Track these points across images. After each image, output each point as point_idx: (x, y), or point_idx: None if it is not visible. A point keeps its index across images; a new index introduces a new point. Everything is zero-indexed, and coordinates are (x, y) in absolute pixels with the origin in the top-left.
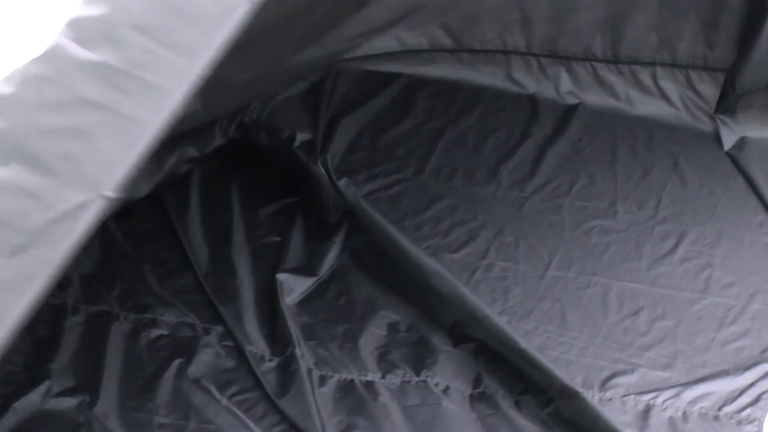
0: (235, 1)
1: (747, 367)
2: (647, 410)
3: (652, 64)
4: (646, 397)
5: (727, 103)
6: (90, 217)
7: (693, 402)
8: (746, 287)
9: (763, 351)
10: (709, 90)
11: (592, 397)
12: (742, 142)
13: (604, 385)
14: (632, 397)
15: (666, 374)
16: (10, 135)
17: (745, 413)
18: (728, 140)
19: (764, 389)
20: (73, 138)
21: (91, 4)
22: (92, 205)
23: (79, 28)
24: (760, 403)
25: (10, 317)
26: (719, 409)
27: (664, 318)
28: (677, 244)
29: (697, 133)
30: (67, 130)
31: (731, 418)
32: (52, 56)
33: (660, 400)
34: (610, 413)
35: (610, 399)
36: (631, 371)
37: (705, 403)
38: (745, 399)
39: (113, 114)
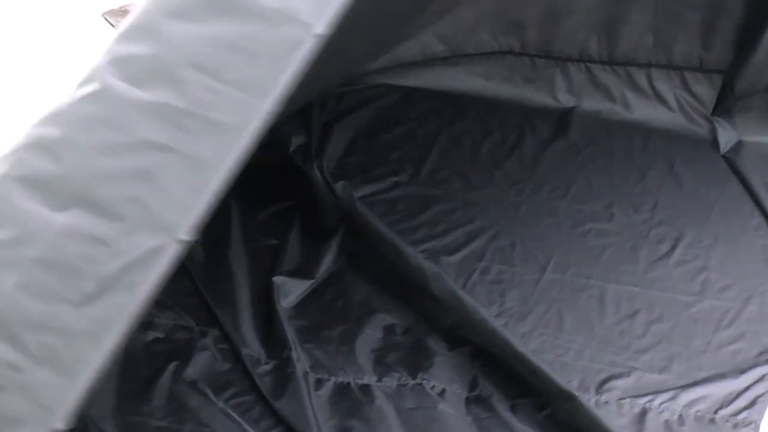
0: (299, 37)
1: (743, 370)
2: (643, 413)
3: (648, 65)
4: (643, 400)
5: (725, 106)
6: (166, 261)
7: (689, 405)
8: (742, 290)
9: (760, 354)
10: (705, 91)
11: (589, 400)
12: (738, 145)
13: (600, 388)
14: (628, 400)
15: (662, 377)
16: (65, 179)
17: (741, 416)
18: (725, 143)
19: (760, 392)
20: (139, 181)
21: (134, 42)
22: (167, 249)
23: (128, 68)
24: (757, 406)
25: (90, 365)
26: (715, 412)
27: (661, 321)
28: (673, 247)
29: (693, 136)
30: (131, 172)
31: (727, 421)
32: (103, 97)
33: (656, 403)
34: (607, 416)
35: (607, 402)
36: (628, 374)
37: (701, 406)
38: (741, 402)
39: (180, 155)
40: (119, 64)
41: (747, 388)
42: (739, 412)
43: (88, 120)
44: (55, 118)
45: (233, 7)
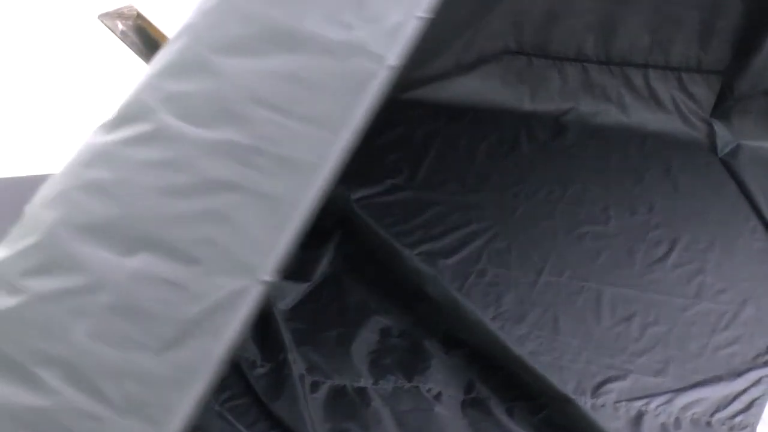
0: (371, 69)
1: (739, 374)
2: (639, 416)
3: (645, 66)
4: (639, 403)
5: (723, 108)
6: (250, 303)
7: (685, 408)
8: (738, 293)
9: (756, 357)
10: (703, 92)
11: (585, 403)
12: (736, 148)
13: (596, 391)
14: (624, 403)
15: (658, 380)
16: (130, 223)
17: (737, 419)
18: (722, 146)
19: (756, 395)
20: (211, 222)
21: (186, 79)
22: (251, 291)
23: (184, 106)
24: (753, 410)
25: (178, 413)
26: (711, 415)
27: (657, 324)
28: (670, 250)
29: (690, 139)
30: (201, 213)
31: (723, 424)
32: (161, 137)
33: (652, 406)
34: (603, 419)
35: (603, 405)
36: (624, 377)
37: (697, 409)
38: (737, 405)
39: (252, 194)
40: (172, 102)
41: (743, 391)
42: (735, 415)
43: (148, 161)
44: (105, 160)
45: (294, 40)
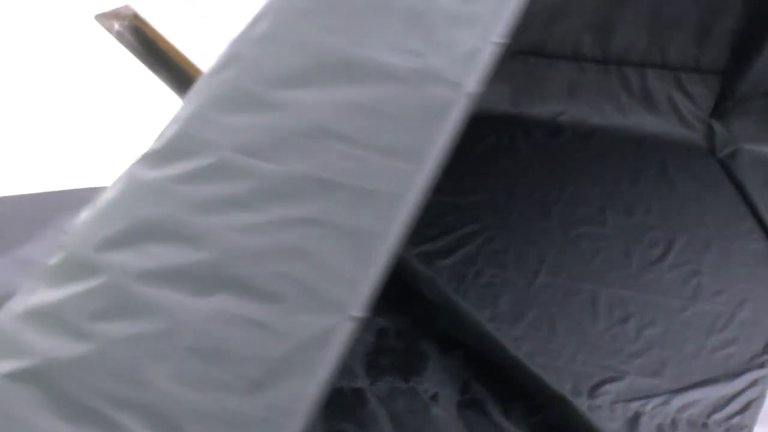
0: (448, 97)
1: (736, 375)
2: (636, 417)
3: (642, 65)
4: (635, 404)
5: (722, 108)
6: (341, 340)
7: (682, 409)
8: (735, 294)
9: (752, 358)
10: (700, 92)
11: (581, 404)
12: (734, 149)
13: (593, 392)
14: (621, 404)
15: (655, 381)
16: (204, 264)
17: (734, 421)
18: (720, 147)
19: (753, 397)
20: (291, 258)
21: (243, 112)
22: (341, 328)
23: (245, 139)
24: (749, 411)
25: None
26: (708, 416)
27: (653, 325)
28: (667, 251)
29: (687, 139)
30: (280, 250)
31: (720, 425)
32: (226, 171)
33: (649, 407)
34: (599, 420)
35: (600, 406)
36: (620, 378)
37: (694, 411)
38: (734, 406)
39: (333, 228)
40: (232, 135)
41: (740, 393)
42: (731, 416)
43: (213, 198)
44: (164, 198)
45: (357, 69)
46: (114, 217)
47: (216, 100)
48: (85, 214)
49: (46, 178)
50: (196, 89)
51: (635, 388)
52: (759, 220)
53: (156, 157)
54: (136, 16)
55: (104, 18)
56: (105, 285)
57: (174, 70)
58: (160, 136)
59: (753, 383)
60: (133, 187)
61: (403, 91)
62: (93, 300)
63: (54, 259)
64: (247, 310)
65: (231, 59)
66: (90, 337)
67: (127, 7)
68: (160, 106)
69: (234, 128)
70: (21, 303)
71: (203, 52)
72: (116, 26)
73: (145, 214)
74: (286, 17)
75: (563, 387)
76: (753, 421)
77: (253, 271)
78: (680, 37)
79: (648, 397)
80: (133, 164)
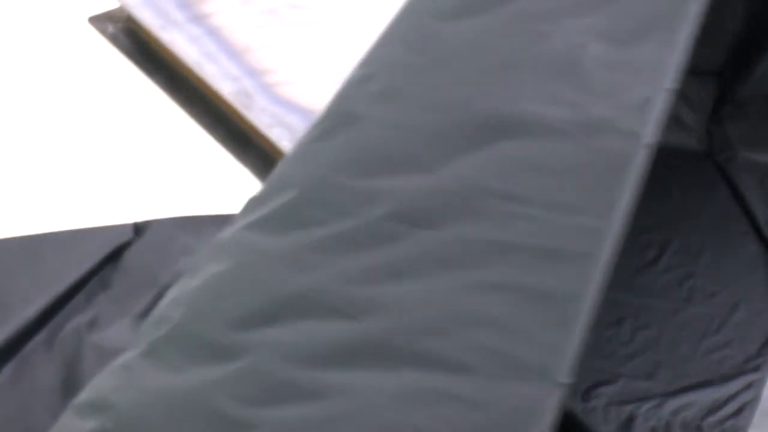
0: (625, 149)
1: (730, 378)
2: (630, 420)
3: None
4: (629, 406)
5: (721, 111)
6: (552, 407)
7: (675, 412)
8: (729, 297)
9: (747, 361)
10: (697, 94)
11: (575, 406)
12: (731, 152)
13: (586, 394)
14: (615, 406)
15: (649, 384)
16: (375, 338)
17: (728, 424)
18: (717, 149)
19: (747, 399)
20: (477, 326)
21: (385, 176)
22: (551, 394)
23: (395, 203)
24: (744, 414)
25: None
26: (702, 419)
27: (647, 327)
28: (660, 254)
29: (683, 141)
30: (462, 319)
31: (714, 428)
32: (374, 238)
33: (643, 409)
34: (593, 423)
35: (593, 408)
36: (614, 381)
37: (688, 413)
38: (728, 409)
39: (517, 291)
40: (374, 201)
41: (734, 396)
42: (726, 419)
43: (368, 268)
44: (304, 269)
45: (508, 125)
46: (243, 292)
47: (341, 163)
48: (186, 287)
49: (44, 180)
50: (299, 155)
51: (629, 391)
52: (753, 223)
53: (273, 223)
54: (130, 19)
55: (98, 20)
56: (255, 368)
57: (169, 73)
58: (264, 199)
59: (747, 386)
60: (255, 258)
61: (568, 144)
62: (244, 385)
63: (154, 332)
64: (439, 384)
65: (347, 119)
66: (250, 427)
67: (121, 9)
68: (154, 110)
69: (373, 193)
70: (136, 388)
71: (198, 55)
72: (110, 29)
73: (286, 287)
74: (405, 73)
75: None
76: (747, 423)
77: (435, 343)
78: None
79: (642, 399)
80: (237, 231)
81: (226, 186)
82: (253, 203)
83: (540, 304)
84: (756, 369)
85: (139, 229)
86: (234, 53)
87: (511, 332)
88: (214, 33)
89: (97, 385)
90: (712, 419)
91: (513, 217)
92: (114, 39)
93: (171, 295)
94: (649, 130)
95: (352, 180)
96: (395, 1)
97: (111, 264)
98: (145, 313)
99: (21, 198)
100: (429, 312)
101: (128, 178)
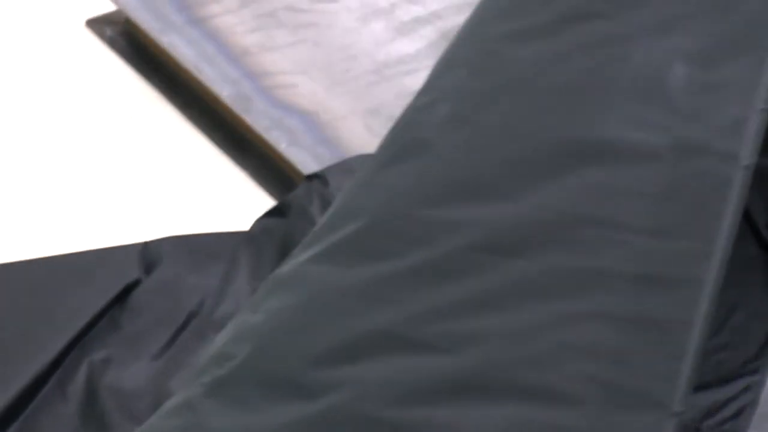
0: (721, 171)
1: (728, 380)
2: None
3: None
4: None
5: None
6: None
7: None
8: (727, 299)
9: (745, 363)
10: None
11: None
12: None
13: None
14: None
15: None
16: (472, 372)
17: (727, 426)
18: None
19: (746, 402)
20: (581, 357)
21: (462, 204)
22: (666, 424)
23: (478, 236)
24: (742, 416)
25: None
26: (701, 421)
27: None
28: None
29: None
30: (564, 350)
31: (713, 430)
32: (460, 272)
33: None
34: None
35: None
36: None
37: (686, 416)
38: (726, 412)
39: (620, 320)
40: (454, 232)
41: (733, 398)
42: (724, 422)
43: (454, 301)
44: (383, 304)
45: (596, 151)
46: (318, 327)
47: (413, 192)
48: (246, 323)
49: (40, 184)
50: (364, 184)
51: None
52: (751, 225)
53: (342, 255)
54: (128, 22)
55: (95, 24)
56: (345, 407)
57: (167, 76)
58: (328, 230)
59: (746, 388)
60: (327, 291)
61: (660, 168)
62: (335, 425)
63: (216, 370)
64: (548, 417)
65: (415, 146)
66: None
67: (118, 12)
68: (152, 113)
69: (451, 223)
70: (205, 428)
71: (197, 58)
72: (108, 32)
73: (367, 322)
74: (472, 98)
75: None
76: (746, 426)
77: (540, 375)
78: None
79: None
80: (301, 264)
81: (224, 189)
82: (316, 235)
83: (646, 332)
84: (754, 371)
85: (147, 266)
86: (232, 56)
87: (618, 361)
88: (212, 36)
89: (157, 427)
90: (710, 422)
91: (608, 244)
92: (112, 42)
93: (228, 332)
94: (746, 152)
95: (427, 209)
96: (394, 3)
97: (119, 305)
98: (161, 353)
99: (21, 198)
100: (530, 343)
101: (125, 183)
